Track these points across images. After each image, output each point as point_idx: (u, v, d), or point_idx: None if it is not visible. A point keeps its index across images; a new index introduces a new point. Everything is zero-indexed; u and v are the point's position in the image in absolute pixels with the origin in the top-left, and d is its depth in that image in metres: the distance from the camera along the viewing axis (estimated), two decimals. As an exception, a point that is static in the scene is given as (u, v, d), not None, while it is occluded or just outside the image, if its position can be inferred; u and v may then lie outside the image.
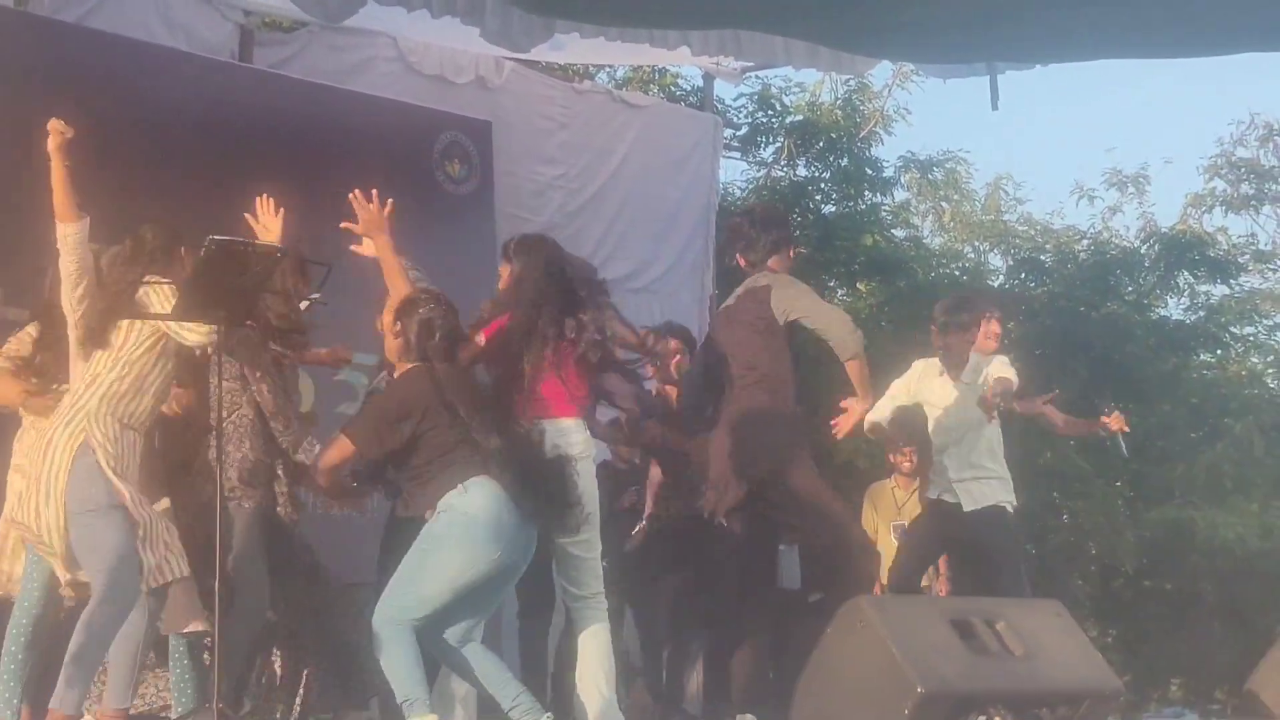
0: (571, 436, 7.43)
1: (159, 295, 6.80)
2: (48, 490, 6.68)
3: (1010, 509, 9.21)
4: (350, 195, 7.44)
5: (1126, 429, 10.02)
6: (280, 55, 11.44)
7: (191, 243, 6.89)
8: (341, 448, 7.09)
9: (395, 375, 7.33)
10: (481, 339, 7.46)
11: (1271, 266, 22.20)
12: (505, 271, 7.77)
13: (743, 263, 8.69)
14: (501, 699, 7.09)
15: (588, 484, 7.46)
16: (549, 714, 7.08)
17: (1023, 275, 19.32)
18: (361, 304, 7.97)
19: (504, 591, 7.32)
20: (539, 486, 7.05)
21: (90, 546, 6.64)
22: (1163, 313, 19.56)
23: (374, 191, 7.46)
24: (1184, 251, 19.28)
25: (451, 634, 7.10)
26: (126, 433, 6.77)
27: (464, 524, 6.90)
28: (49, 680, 7.00)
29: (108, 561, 6.61)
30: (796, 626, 11.43)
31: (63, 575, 6.83)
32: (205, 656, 7.37)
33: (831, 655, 6.50)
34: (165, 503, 7.04)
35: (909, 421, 9.64)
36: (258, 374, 7.53)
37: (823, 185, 17.58)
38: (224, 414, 7.16)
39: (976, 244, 21.57)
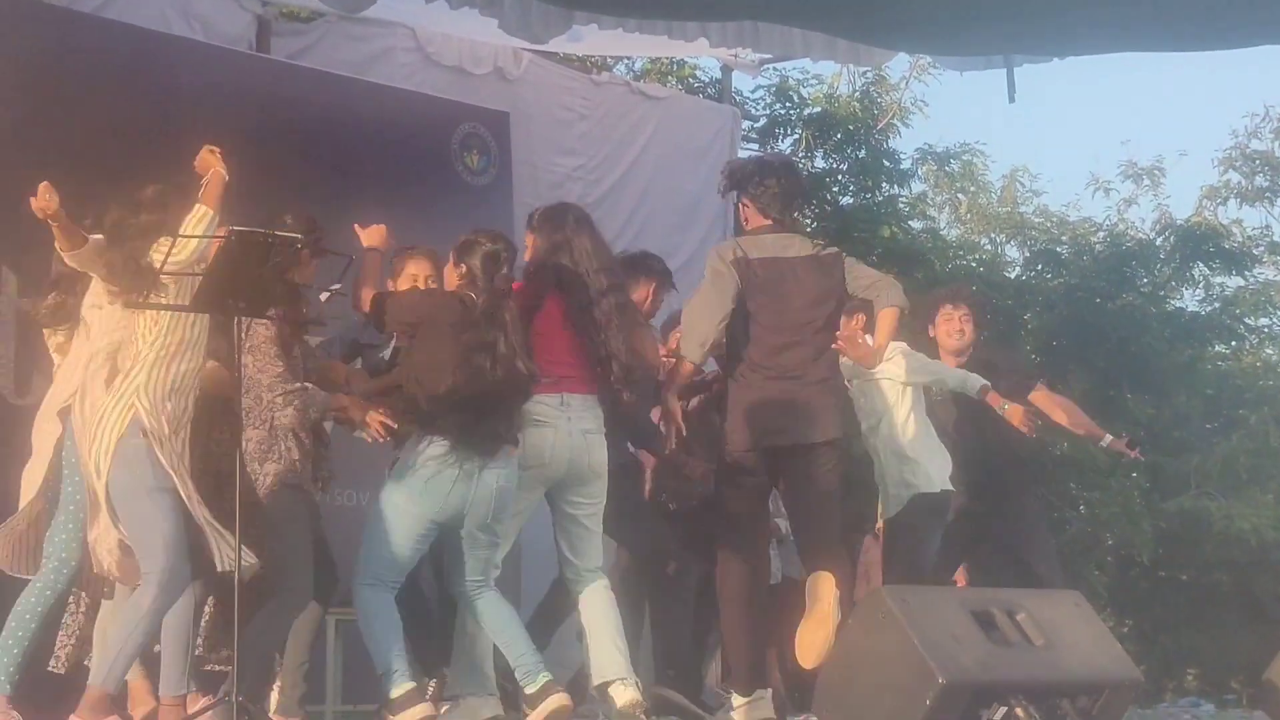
0: (578, 412, 7.60)
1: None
2: (97, 466, 6.68)
3: (924, 495, 9.05)
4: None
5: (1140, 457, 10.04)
6: (298, 46, 11.42)
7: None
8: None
9: None
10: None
11: (1286, 258, 22.23)
12: (530, 241, 7.86)
13: (765, 220, 8.24)
14: (508, 653, 7.33)
15: (598, 456, 7.62)
16: (548, 675, 7.26)
17: (1039, 267, 19.36)
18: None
19: (482, 539, 7.40)
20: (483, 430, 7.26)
21: (138, 528, 6.65)
22: (1178, 304, 19.62)
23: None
24: (1199, 243, 19.32)
25: (465, 582, 7.37)
26: (176, 397, 6.80)
27: (411, 479, 7.21)
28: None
29: (155, 544, 6.61)
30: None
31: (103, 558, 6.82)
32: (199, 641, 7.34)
33: (852, 646, 6.52)
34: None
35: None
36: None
37: (840, 177, 17.62)
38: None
39: (993, 236, 21.61)
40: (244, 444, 7.03)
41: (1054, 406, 9.84)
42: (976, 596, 6.96)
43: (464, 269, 7.43)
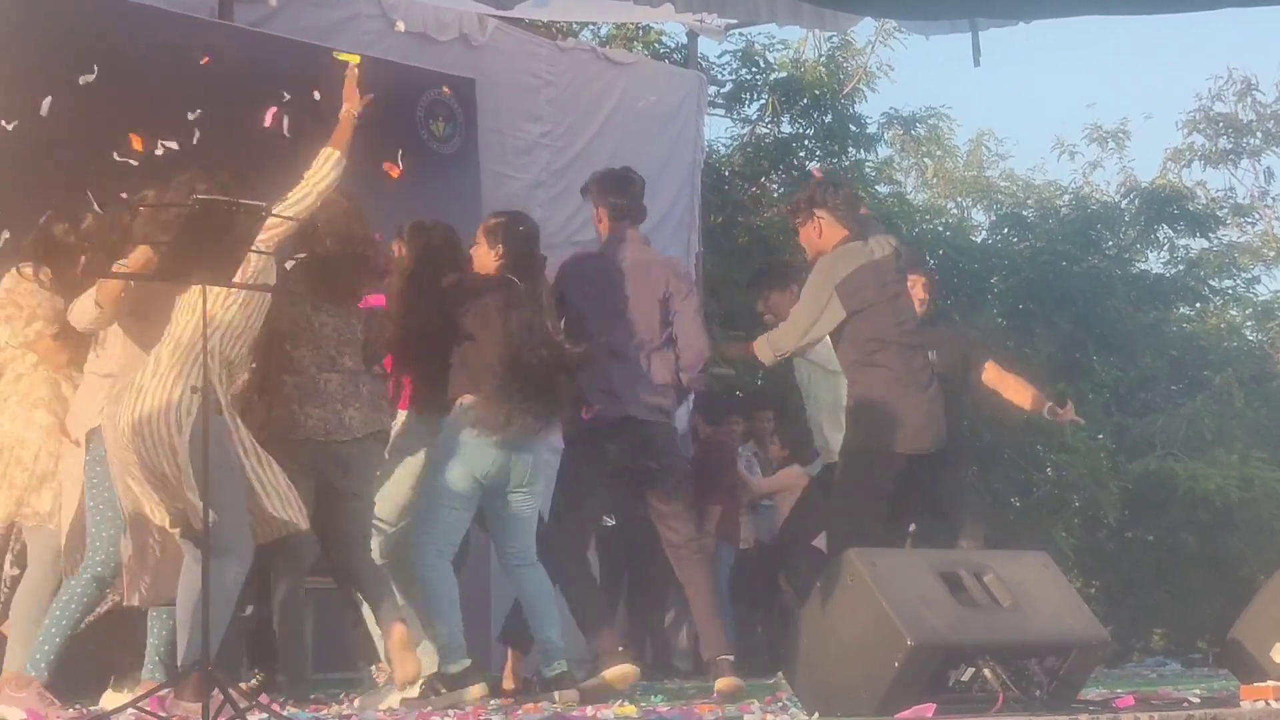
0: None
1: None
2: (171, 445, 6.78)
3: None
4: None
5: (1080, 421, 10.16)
6: (261, 13, 11.35)
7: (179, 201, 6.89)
8: None
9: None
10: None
11: (1249, 220, 22.36)
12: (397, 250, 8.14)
13: (844, 231, 8.56)
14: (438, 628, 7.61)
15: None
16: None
17: (1005, 230, 19.38)
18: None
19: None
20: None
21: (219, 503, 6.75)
22: (1143, 267, 19.66)
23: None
24: (1163, 206, 19.36)
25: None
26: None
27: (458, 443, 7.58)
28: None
29: (237, 520, 6.82)
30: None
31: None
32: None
33: (821, 609, 6.54)
34: None
35: None
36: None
37: (807, 142, 17.60)
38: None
39: (959, 200, 21.64)
40: None
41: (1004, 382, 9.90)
42: (944, 558, 7.00)
43: (500, 250, 7.75)
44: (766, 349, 8.57)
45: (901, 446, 8.31)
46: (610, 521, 11.05)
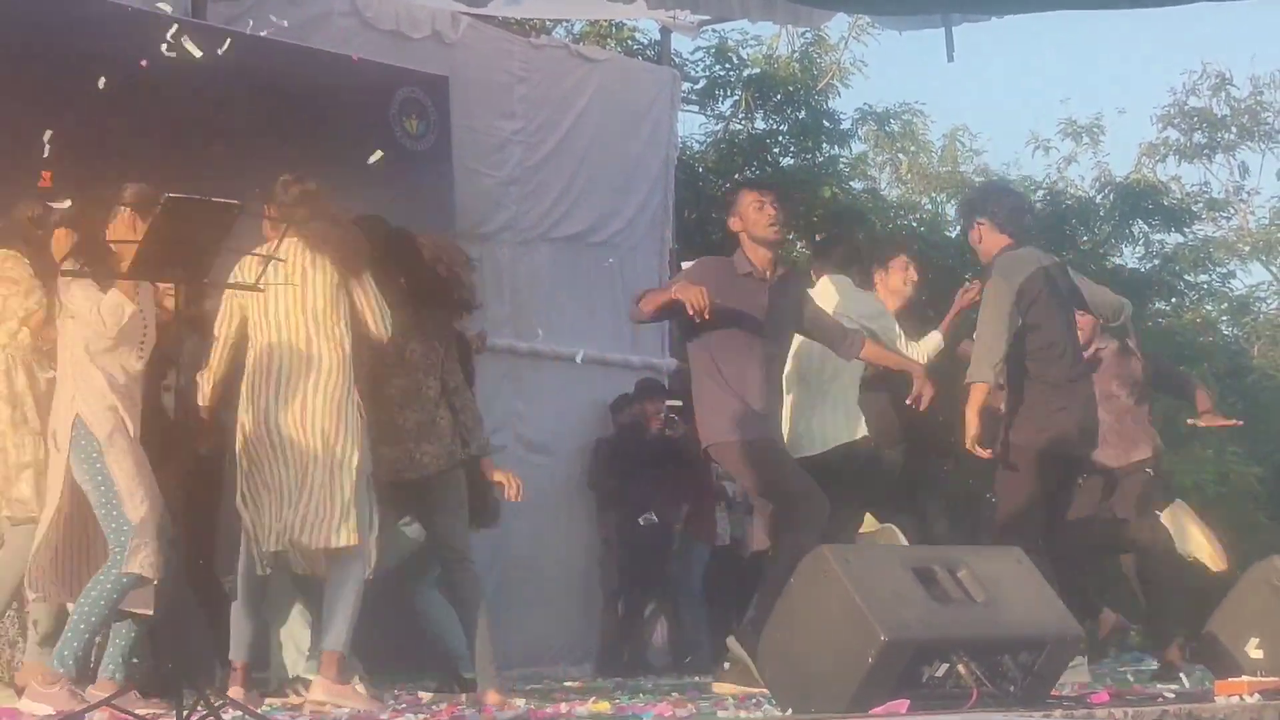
0: None
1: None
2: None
3: None
4: None
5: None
6: (234, 11, 11.32)
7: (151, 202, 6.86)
8: None
9: None
10: None
11: (1224, 214, 22.42)
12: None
13: (1005, 239, 8.78)
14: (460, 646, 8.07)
15: None
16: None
17: (979, 226, 19.38)
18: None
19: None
20: None
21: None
22: (1118, 262, 19.68)
23: None
24: (1138, 200, 19.40)
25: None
26: None
27: None
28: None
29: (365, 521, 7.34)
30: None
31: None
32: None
33: (795, 605, 6.53)
34: None
35: None
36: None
37: (780, 138, 17.62)
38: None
39: (933, 195, 21.66)
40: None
41: None
42: (918, 554, 6.98)
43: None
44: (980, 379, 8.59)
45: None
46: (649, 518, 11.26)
